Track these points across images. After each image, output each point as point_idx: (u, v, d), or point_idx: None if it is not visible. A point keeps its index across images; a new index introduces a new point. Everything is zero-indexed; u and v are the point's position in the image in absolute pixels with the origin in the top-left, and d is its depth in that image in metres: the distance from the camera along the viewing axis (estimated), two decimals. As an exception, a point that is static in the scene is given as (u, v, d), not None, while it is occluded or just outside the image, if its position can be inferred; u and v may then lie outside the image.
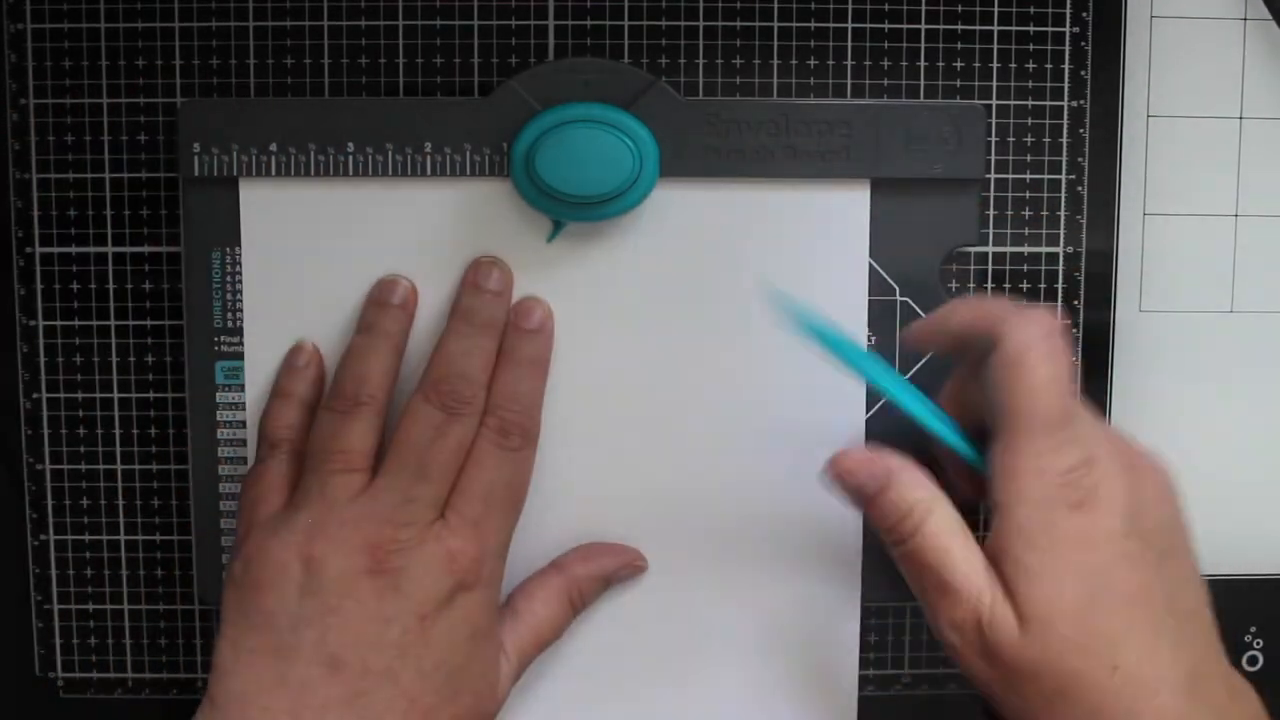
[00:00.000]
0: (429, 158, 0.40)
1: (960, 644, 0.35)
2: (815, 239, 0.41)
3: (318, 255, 0.41)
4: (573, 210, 0.40)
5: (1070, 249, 0.43)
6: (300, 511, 0.37)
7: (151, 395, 0.43)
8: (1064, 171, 0.43)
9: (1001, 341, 0.35)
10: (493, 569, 0.38)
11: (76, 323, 0.43)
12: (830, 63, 0.42)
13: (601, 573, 0.41)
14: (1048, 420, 0.35)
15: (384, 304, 0.41)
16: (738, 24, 0.42)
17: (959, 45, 0.42)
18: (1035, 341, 0.35)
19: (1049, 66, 0.42)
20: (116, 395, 0.43)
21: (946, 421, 0.38)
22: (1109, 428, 0.40)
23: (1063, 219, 0.43)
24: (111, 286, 0.42)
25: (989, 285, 0.43)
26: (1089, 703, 0.34)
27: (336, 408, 0.39)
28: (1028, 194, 0.43)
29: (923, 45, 0.42)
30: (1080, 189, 0.43)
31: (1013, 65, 0.42)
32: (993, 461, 0.35)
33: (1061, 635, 0.34)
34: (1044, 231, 0.43)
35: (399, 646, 0.36)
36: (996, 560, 0.35)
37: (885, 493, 0.36)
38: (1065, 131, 0.43)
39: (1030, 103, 0.42)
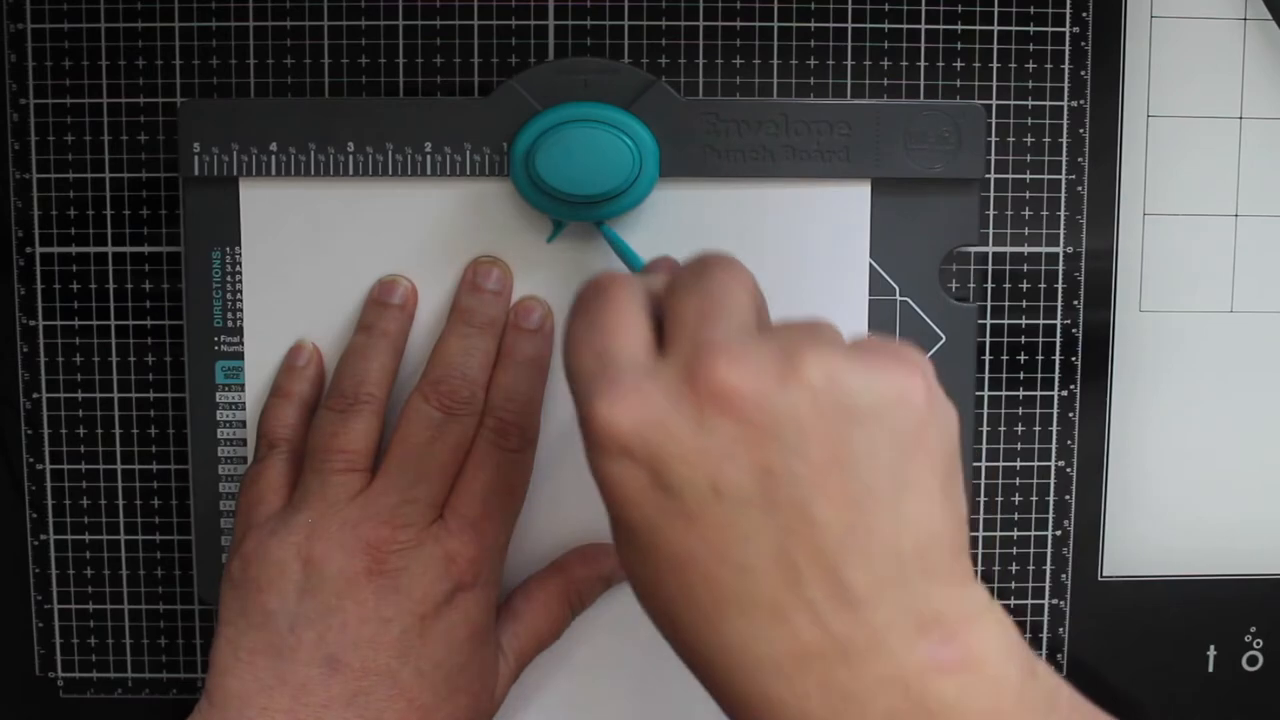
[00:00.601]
0: (429, 158, 0.40)
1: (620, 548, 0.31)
2: (815, 239, 0.41)
3: (318, 255, 0.41)
4: (573, 210, 0.40)
5: (1070, 249, 0.43)
6: (300, 512, 0.37)
7: (151, 395, 0.43)
8: (1064, 171, 0.43)
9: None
10: (491, 569, 0.38)
11: (76, 323, 0.43)
12: (830, 63, 0.42)
13: (601, 574, 0.41)
14: None
15: (384, 304, 0.41)
16: (738, 24, 0.42)
17: (959, 45, 0.42)
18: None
19: (1049, 66, 0.42)
20: (116, 395, 0.43)
21: None
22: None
23: (1063, 219, 0.43)
24: (111, 286, 0.42)
25: (989, 285, 0.43)
26: (682, 655, 0.30)
27: (335, 407, 0.39)
28: (1028, 194, 0.43)
29: (923, 45, 0.42)
30: (1080, 189, 0.43)
31: (1013, 65, 0.42)
32: None
33: (636, 584, 0.29)
34: (1044, 231, 0.43)
35: (398, 646, 0.36)
36: None
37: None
38: (1065, 131, 0.43)
39: (1030, 103, 0.42)
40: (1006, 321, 0.43)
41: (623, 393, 0.28)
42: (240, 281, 0.41)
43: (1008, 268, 0.43)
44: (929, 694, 0.27)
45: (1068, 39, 0.42)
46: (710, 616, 0.28)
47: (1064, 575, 0.44)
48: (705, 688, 0.29)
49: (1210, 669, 0.45)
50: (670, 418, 0.27)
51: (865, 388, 0.27)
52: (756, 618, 0.27)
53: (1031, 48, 0.42)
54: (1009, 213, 0.43)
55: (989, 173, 0.42)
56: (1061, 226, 0.43)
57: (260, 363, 0.41)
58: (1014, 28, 0.42)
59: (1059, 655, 0.44)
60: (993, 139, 0.42)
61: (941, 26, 0.42)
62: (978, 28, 0.42)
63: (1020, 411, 0.44)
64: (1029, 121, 0.43)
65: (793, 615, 0.27)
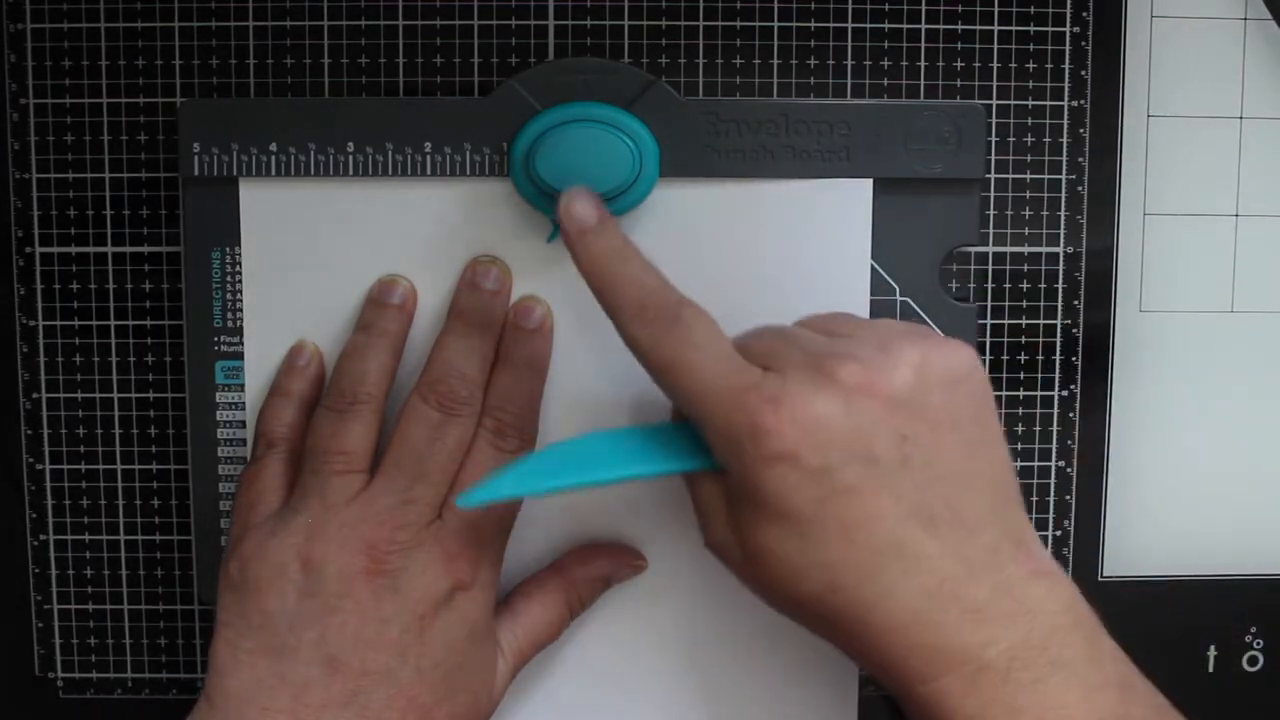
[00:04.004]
0: (429, 158, 0.40)
1: (715, 553, 0.36)
2: (816, 239, 0.41)
3: (318, 255, 0.41)
4: (573, 210, 0.40)
5: (1070, 249, 0.43)
6: (299, 513, 0.37)
7: (151, 395, 0.43)
8: (1064, 171, 0.43)
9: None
10: (490, 569, 0.38)
11: (76, 323, 0.43)
12: (830, 63, 0.42)
13: (600, 574, 0.41)
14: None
15: (383, 303, 0.41)
16: (738, 24, 0.42)
17: (959, 45, 0.42)
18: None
19: (1049, 66, 0.42)
20: (116, 395, 0.43)
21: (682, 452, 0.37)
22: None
23: (1063, 219, 0.43)
24: (111, 286, 0.42)
25: (989, 285, 0.43)
26: (820, 616, 0.34)
27: (334, 406, 0.39)
28: (1028, 194, 0.43)
29: (923, 45, 0.42)
30: (1080, 189, 0.43)
31: (1013, 65, 0.42)
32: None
33: (779, 565, 0.34)
34: (1044, 231, 0.43)
35: (397, 646, 0.36)
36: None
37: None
38: (1065, 131, 0.43)
39: (1030, 103, 0.42)
40: (1006, 321, 0.43)
41: (782, 404, 0.33)
42: (240, 281, 0.41)
43: (1008, 268, 0.43)
44: (1029, 595, 0.34)
45: (1068, 39, 0.42)
46: (870, 570, 0.33)
47: (1064, 575, 0.44)
48: (847, 645, 0.35)
49: (1210, 669, 0.45)
50: (826, 412, 0.33)
51: (950, 362, 0.34)
52: (906, 558, 0.33)
53: (1031, 48, 0.42)
54: (1009, 213, 0.43)
55: (989, 173, 0.42)
56: (1061, 226, 0.43)
57: (260, 363, 0.41)
58: (1014, 28, 0.42)
59: (1059, 655, 0.44)
60: (993, 139, 0.42)
61: (941, 26, 0.42)
62: (978, 28, 0.42)
63: (1020, 411, 0.44)
64: (1029, 121, 0.43)
65: (932, 549, 0.33)
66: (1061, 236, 0.43)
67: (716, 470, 0.35)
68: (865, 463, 0.33)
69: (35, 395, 0.43)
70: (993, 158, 0.42)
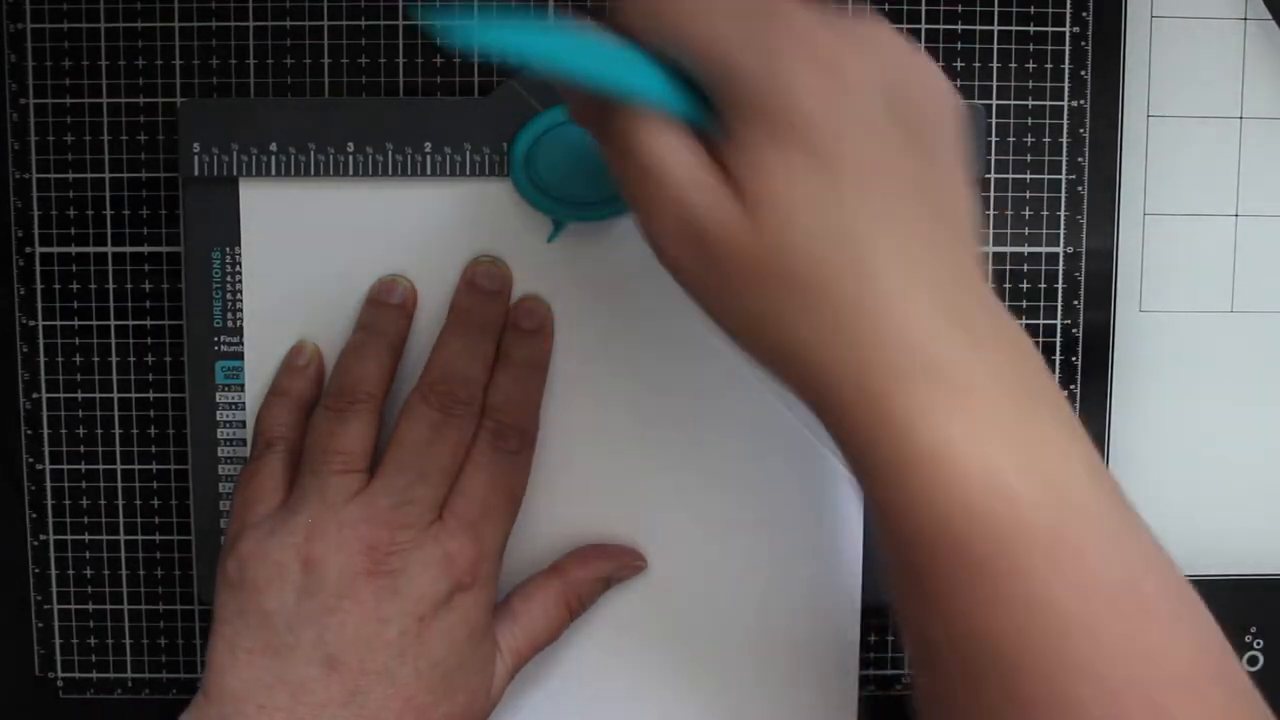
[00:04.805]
0: (429, 158, 0.40)
1: (670, 242, 0.30)
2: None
3: (318, 255, 0.41)
4: (573, 210, 0.40)
5: (1070, 249, 0.43)
6: (298, 513, 0.37)
7: (151, 395, 0.43)
8: (1064, 171, 0.43)
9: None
10: (490, 570, 0.38)
11: (76, 323, 0.43)
12: (830, 63, 0.42)
13: (599, 575, 0.41)
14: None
15: (383, 304, 0.41)
16: (738, 24, 0.42)
17: (959, 45, 0.42)
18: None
19: (1049, 66, 0.42)
20: (116, 395, 0.43)
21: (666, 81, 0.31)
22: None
23: (1063, 219, 0.43)
24: (111, 286, 0.42)
25: (989, 285, 0.43)
26: (825, 306, 0.29)
27: (333, 406, 0.39)
28: (1028, 194, 0.43)
29: (923, 45, 0.42)
30: (1080, 189, 0.43)
31: (1013, 65, 0.42)
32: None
33: (795, 224, 0.29)
34: (1044, 231, 0.43)
35: (396, 647, 0.36)
36: (720, 152, 0.30)
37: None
38: (1065, 131, 0.43)
39: (1030, 103, 0.42)
40: (1006, 321, 0.43)
41: (805, 35, 0.29)
42: (240, 281, 0.41)
43: (1008, 268, 0.43)
44: (1006, 323, 0.31)
45: (1068, 39, 0.42)
46: (883, 218, 0.29)
47: (1064, 575, 0.44)
48: (830, 341, 0.30)
49: (1210, 669, 0.45)
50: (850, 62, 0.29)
51: (882, 39, 0.30)
52: (898, 225, 0.30)
53: (1031, 48, 0.42)
54: (1009, 213, 0.43)
55: (989, 173, 0.42)
56: (1061, 226, 0.43)
57: (260, 363, 0.41)
58: (1014, 28, 0.42)
59: (1059, 655, 0.44)
60: (993, 139, 0.42)
61: (941, 26, 0.42)
62: (978, 28, 0.42)
63: (1020, 411, 0.43)
64: (1029, 121, 0.42)
65: (929, 233, 0.30)
66: (1061, 236, 0.43)
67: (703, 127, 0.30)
68: (877, 124, 0.29)
69: (35, 395, 0.43)
70: (993, 158, 0.42)
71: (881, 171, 0.30)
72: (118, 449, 0.43)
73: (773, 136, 0.29)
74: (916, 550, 0.30)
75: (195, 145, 0.40)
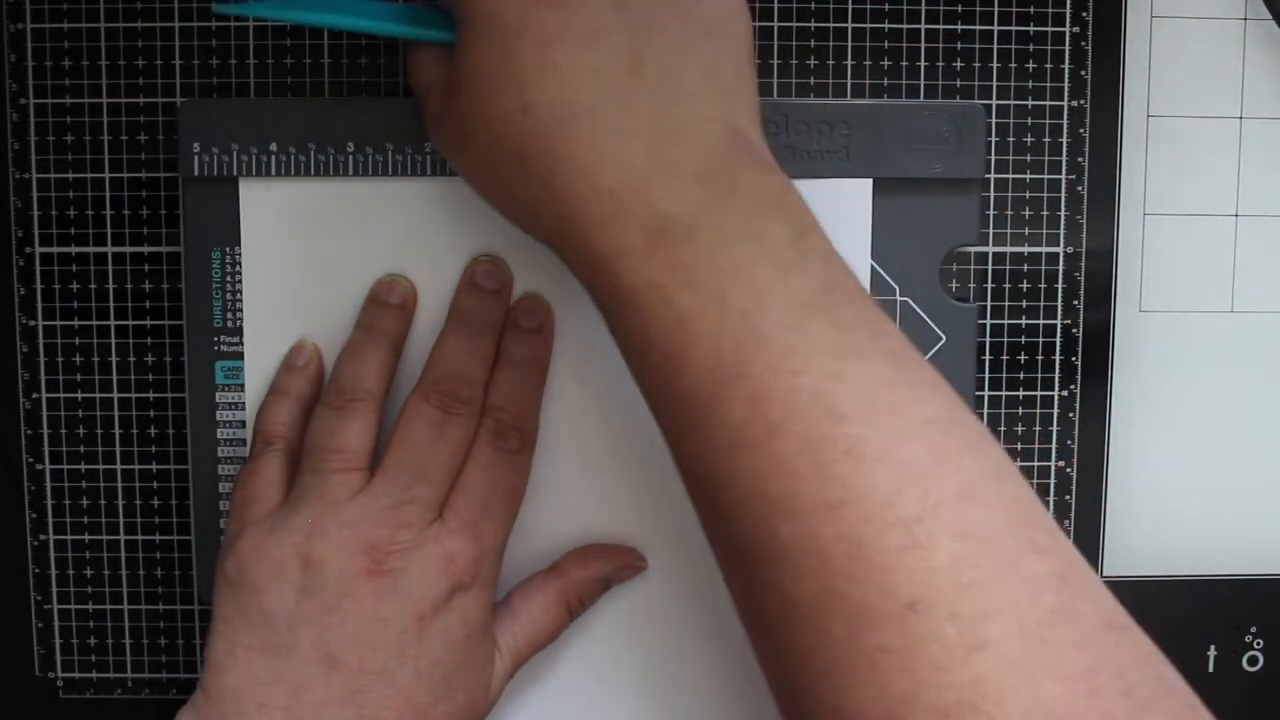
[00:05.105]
0: (429, 158, 0.40)
1: (430, 133, 0.38)
2: (815, 239, 0.41)
3: (318, 255, 0.41)
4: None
5: (1070, 249, 0.43)
6: (298, 512, 0.37)
7: (151, 395, 0.43)
8: (1064, 171, 0.43)
9: None
10: (490, 569, 0.38)
11: (76, 323, 0.43)
12: (830, 63, 0.42)
13: (600, 575, 0.41)
14: None
15: (383, 303, 0.41)
16: (738, 24, 0.42)
17: (959, 45, 0.42)
18: None
19: (1049, 66, 0.42)
20: (116, 395, 0.43)
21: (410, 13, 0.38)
22: None
23: (1063, 219, 0.43)
24: (111, 286, 0.42)
25: (989, 285, 0.43)
26: (513, 150, 0.33)
27: (333, 404, 0.39)
28: (1028, 194, 0.43)
29: (923, 45, 0.42)
30: (1080, 189, 0.43)
31: (1013, 65, 0.42)
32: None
33: (475, 82, 0.34)
34: (1044, 231, 0.43)
35: (396, 646, 0.36)
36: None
37: None
38: (1065, 131, 0.43)
39: (1030, 103, 0.42)
40: (1006, 321, 0.43)
41: None
42: (240, 281, 0.41)
43: (1008, 268, 0.43)
44: (735, 174, 0.32)
45: (1068, 39, 0.42)
46: (568, 84, 0.32)
47: (1064, 575, 0.44)
48: (539, 199, 0.33)
49: (1210, 669, 0.45)
50: None
51: None
52: (606, 88, 0.32)
53: (1031, 48, 0.42)
54: (1009, 213, 0.43)
55: (989, 173, 0.42)
56: (1061, 226, 0.43)
57: (260, 363, 0.41)
58: (1014, 28, 0.42)
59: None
60: (993, 139, 0.42)
61: (941, 26, 0.42)
62: (978, 28, 0.42)
63: (1020, 411, 0.44)
64: (1029, 121, 0.43)
65: (635, 90, 0.33)
66: (1061, 236, 0.43)
67: (449, 43, 0.36)
68: (586, 10, 0.33)
69: (35, 395, 0.43)
70: (993, 158, 0.42)
71: (551, 26, 0.33)
72: (118, 449, 0.43)
73: (470, 32, 0.34)
74: (640, 383, 0.33)
75: (195, 145, 0.40)
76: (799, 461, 0.29)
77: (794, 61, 0.42)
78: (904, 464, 0.29)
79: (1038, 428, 0.44)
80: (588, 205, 0.32)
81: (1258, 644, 0.45)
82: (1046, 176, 0.43)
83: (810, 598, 0.29)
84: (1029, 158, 0.43)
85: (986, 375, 0.43)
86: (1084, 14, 0.42)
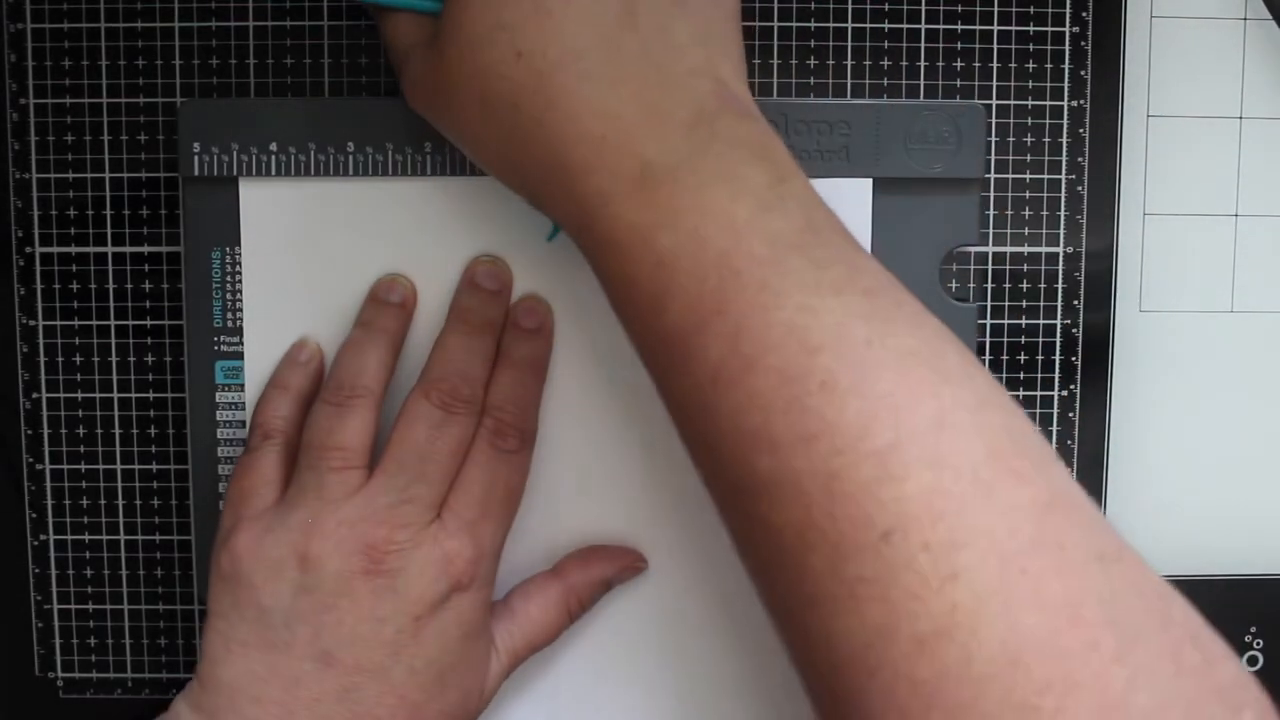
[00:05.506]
0: (429, 157, 0.40)
1: (408, 94, 0.37)
2: (815, 239, 0.41)
3: (318, 255, 0.41)
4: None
5: (1070, 249, 0.43)
6: (296, 509, 0.37)
7: (151, 395, 0.43)
8: (1064, 171, 0.43)
9: None
10: (488, 569, 0.38)
11: (76, 323, 0.43)
12: (830, 63, 0.42)
13: (600, 578, 0.41)
14: None
15: (383, 301, 0.41)
16: (737, 24, 0.42)
17: (959, 45, 0.42)
18: None
19: (1049, 66, 0.42)
20: (116, 395, 0.43)
21: None
22: None
23: (1063, 219, 0.43)
24: (111, 286, 0.42)
25: (989, 285, 0.43)
26: (504, 98, 0.33)
27: (331, 400, 0.39)
28: (1028, 194, 0.43)
29: (923, 45, 0.42)
30: (1080, 189, 0.43)
31: (1013, 65, 0.42)
32: None
33: (466, 35, 0.34)
34: (1044, 231, 0.43)
35: (392, 645, 0.36)
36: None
37: None
38: (1065, 131, 0.43)
39: (1030, 103, 0.42)
40: (1006, 321, 0.43)
41: None
42: (240, 281, 0.41)
43: (1008, 268, 0.43)
44: (718, 122, 0.32)
45: (1068, 39, 0.42)
46: (560, 31, 0.33)
47: (1064, 575, 0.44)
48: (529, 146, 0.34)
49: (1210, 669, 0.45)
50: None
51: None
52: (598, 36, 0.33)
53: (1031, 48, 0.42)
54: (1009, 213, 0.43)
55: (989, 173, 0.42)
56: (1061, 226, 0.43)
57: (260, 362, 0.41)
58: (1014, 28, 0.42)
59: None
60: (993, 139, 0.42)
61: (941, 26, 0.42)
62: (978, 28, 0.42)
63: (1020, 411, 0.43)
64: (1029, 121, 0.43)
65: (627, 42, 0.33)
66: (1061, 236, 0.43)
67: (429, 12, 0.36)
68: None
69: (35, 395, 0.43)
70: (993, 158, 0.42)
71: (560, 11, 0.33)
72: (118, 449, 0.43)
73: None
74: (625, 325, 0.34)
75: (195, 145, 0.40)
76: (775, 395, 0.30)
77: (794, 61, 0.42)
78: (878, 396, 0.29)
79: (1037, 427, 0.44)
80: (575, 149, 0.33)
81: (1258, 644, 0.45)
82: (1046, 176, 0.43)
83: (791, 530, 0.29)
84: (1029, 158, 0.43)
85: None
86: (1084, 14, 0.42)
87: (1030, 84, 0.42)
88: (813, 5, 0.42)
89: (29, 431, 0.43)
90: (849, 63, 0.42)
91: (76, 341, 0.43)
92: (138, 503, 0.43)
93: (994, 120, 0.42)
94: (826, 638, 0.29)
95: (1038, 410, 0.44)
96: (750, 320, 0.30)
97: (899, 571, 0.28)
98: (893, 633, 0.28)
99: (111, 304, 0.43)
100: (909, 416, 0.29)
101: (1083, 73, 0.42)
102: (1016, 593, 0.27)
